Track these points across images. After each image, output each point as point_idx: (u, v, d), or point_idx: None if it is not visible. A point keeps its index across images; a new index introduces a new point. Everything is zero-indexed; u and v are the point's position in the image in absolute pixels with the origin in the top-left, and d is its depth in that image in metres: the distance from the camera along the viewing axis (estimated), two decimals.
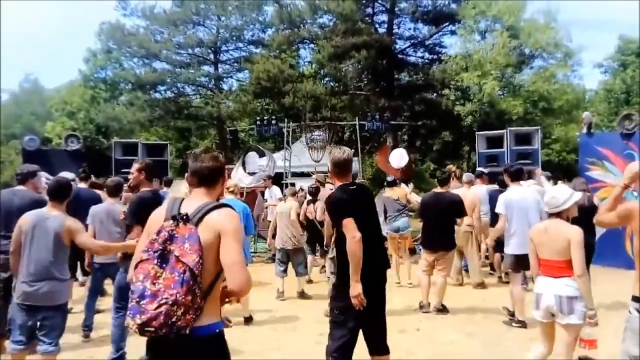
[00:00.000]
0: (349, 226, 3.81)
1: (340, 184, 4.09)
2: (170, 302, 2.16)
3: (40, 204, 4.55)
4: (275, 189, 11.44)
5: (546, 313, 4.05)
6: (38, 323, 4.13)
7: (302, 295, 8.07)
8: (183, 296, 2.18)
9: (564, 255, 3.99)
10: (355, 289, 3.79)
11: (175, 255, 2.23)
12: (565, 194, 4.16)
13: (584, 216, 6.05)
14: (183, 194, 3.15)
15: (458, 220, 7.23)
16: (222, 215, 2.42)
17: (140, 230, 4.35)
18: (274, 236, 8.32)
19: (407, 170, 13.81)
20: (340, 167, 4.10)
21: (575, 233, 3.99)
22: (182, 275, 2.20)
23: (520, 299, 6.39)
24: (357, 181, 4.31)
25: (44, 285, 4.07)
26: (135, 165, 4.97)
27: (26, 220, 4.19)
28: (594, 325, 3.91)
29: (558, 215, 4.13)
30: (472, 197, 8.27)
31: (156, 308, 2.16)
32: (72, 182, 8.45)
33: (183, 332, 2.21)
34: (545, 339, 4.18)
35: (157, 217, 2.50)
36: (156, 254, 2.25)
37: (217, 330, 2.42)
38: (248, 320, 6.62)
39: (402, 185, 10.10)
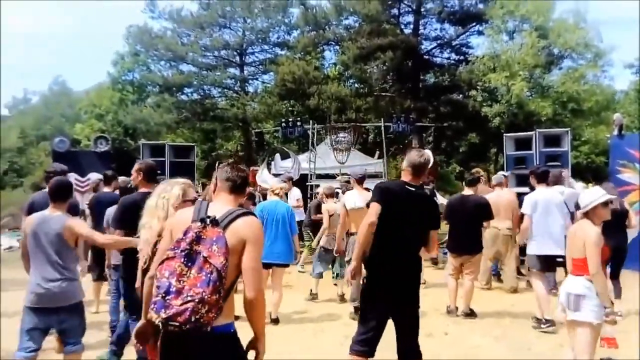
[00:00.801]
0: (371, 210, 3.93)
1: (404, 181, 4.14)
2: (197, 300, 2.27)
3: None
4: (295, 191, 11.34)
5: (561, 309, 4.18)
6: (55, 326, 4.14)
7: (343, 298, 7.90)
8: (209, 295, 2.29)
9: (582, 254, 4.06)
10: (351, 265, 4.11)
11: (203, 256, 2.34)
12: (592, 196, 4.20)
13: (615, 220, 5.98)
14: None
15: (485, 224, 7.14)
16: (248, 223, 2.56)
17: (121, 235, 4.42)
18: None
19: (433, 172, 13.69)
20: (414, 169, 4.11)
21: (591, 232, 4.06)
22: (209, 275, 2.32)
23: (544, 298, 6.38)
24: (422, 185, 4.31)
25: (55, 287, 4.06)
26: (135, 166, 4.89)
27: (29, 223, 4.21)
28: (612, 323, 3.94)
29: (585, 215, 4.20)
30: (507, 199, 8.15)
31: (182, 304, 2.26)
32: (98, 183, 8.62)
33: (204, 329, 2.32)
34: (571, 339, 4.21)
35: (183, 218, 2.61)
36: (183, 253, 2.36)
37: (232, 330, 2.55)
38: (275, 321, 6.64)
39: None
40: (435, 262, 10.44)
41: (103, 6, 70.16)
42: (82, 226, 4.34)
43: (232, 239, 2.45)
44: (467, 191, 7.20)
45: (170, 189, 3.17)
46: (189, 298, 2.27)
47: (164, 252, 2.51)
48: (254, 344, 2.65)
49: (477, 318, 6.91)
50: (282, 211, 6.80)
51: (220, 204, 2.66)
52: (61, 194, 4.30)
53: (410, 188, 4.04)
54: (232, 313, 2.57)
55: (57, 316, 4.09)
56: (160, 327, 2.35)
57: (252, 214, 2.67)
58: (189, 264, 2.35)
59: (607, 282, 3.98)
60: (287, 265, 7.01)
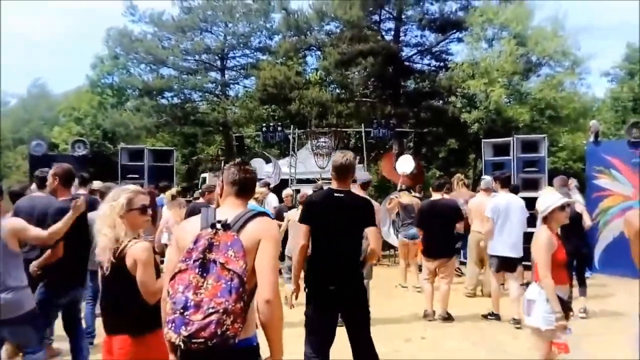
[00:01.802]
0: (300, 232, 4.04)
1: (330, 188, 4.15)
2: (220, 311, 2.11)
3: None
4: (272, 197, 11.25)
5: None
6: (9, 338, 3.93)
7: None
8: (233, 304, 2.13)
9: (536, 259, 4.09)
10: (293, 289, 4.23)
11: (220, 263, 2.19)
12: (549, 200, 4.17)
13: (570, 224, 6.11)
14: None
15: (457, 226, 7.25)
16: (263, 223, 2.42)
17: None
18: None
19: (420, 177, 13.82)
20: (337, 171, 4.10)
21: (539, 238, 4.05)
22: (229, 282, 2.16)
23: (496, 296, 7.00)
24: (350, 189, 4.18)
25: (3, 298, 3.77)
26: (51, 170, 4.60)
27: None
28: (562, 328, 3.91)
29: (543, 220, 4.17)
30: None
31: (204, 318, 2.10)
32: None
33: (232, 342, 2.15)
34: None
35: (190, 227, 2.47)
36: (196, 264, 2.20)
37: (255, 344, 2.40)
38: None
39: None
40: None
41: (83, 8, 69.44)
42: (25, 227, 4.01)
43: (247, 242, 2.30)
44: (436, 195, 7.33)
45: (117, 197, 3.03)
46: (211, 310, 2.10)
47: (173, 265, 2.32)
48: None
49: (454, 322, 6.96)
50: None
51: (229, 208, 2.50)
52: None
53: (337, 195, 4.03)
54: (254, 323, 2.42)
55: (7, 327, 3.84)
56: (181, 347, 2.14)
57: (266, 214, 2.55)
58: (204, 274, 2.18)
59: (553, 286, 3.91)
60: None
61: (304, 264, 4.09)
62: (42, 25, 76.16)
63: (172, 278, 2.23)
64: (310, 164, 14.94)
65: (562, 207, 4.11)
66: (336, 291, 3.92)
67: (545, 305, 3.91)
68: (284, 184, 13.77)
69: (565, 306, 3.97)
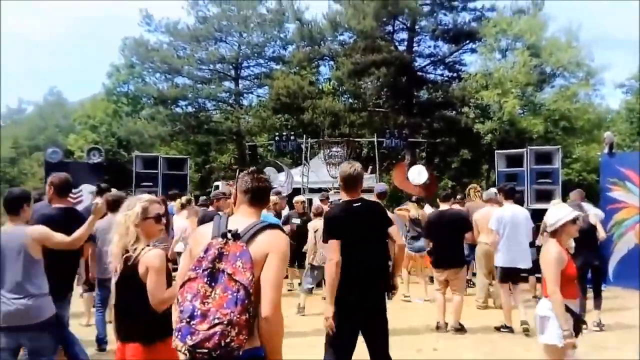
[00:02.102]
0: (331, 248, 3.90)
1: (346, 200, 4.08)
2: (225, 322, 2.11)
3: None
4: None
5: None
6: (26, 345, 3.89)
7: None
8: (238, 316, 2.13)
9: (544, 274, 4.01)
10: (327, 311, 3.93)
11: (228, 274, 2.19)
12: (560, 214, 4.08)
13: (582, 237, 6.12)
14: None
15: (467, 236, 7.19)
16: (273, 236, 2.40)
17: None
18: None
19: (433, 187, 13.78)
20: (346, 182, 4.08)
21: (548, 252, 3.97)
22: (235, 294, 2.16)
23: (507, 308, 6.89)
24: (367, 198, 4.22)
25: (24, 304, 3.81)
26: (48, 179, 4.65)
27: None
28: (570, 347, 3.82)
29: (553, 234, 4.08)
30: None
31: (209, 328, 2.11)
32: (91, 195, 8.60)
33: (236, 354, 2.15)
34: None
35: (202, 235, 2.47)
36: (205, 273, 2.20)
37: (262, 355, 2.35)
38: None
39: (426, 206, 10.11)
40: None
41: (99, 18, 70.44)
42: (49, 233, 4.06)
43: (256, 254, 2.28)
44: (444, 206, 7.31)
45: (133, 206, 3.04)
46: (217, 321, 2.11)
47: (185, 273, 2.32)
48: None
49: (466, 334, 6.92)
50: None
51: (241, 217, 2.50)
52: (13, 206, 4.03)
53: (355, 205, 4.03)
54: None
55: (25, 334, 3.83)
56: (187, 356, 2.17)
57: (279, 227, 2.53)
58: (213, 284, 2.18)
59: (562, 302, 3.83)
60: None
61: (337, 282, 3.97)
62: (60, 34, 77.29)
63: (182, 286, 2.24)
64: (322, 173, 14.99)
65: (573, 221, 4.04)
66: (360, 300, 3.91)
67: (555, 321, 3.85)
68: (296, 192, 13.81)
69: (578, 320, 3.93)
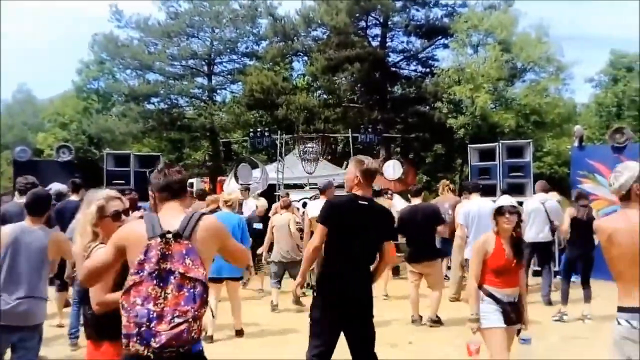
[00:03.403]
0: (316, 233, 3.92)
1: (354, 193, 3.94)
2: (190, 319, 2.17)
3: None
4: (250, 202, 11.07)
5: None
6: (17, 344, 3.86)
7: (298, 301, 7.89)
8: (198, 310, 2.21)
9: None
10: (297, 281, 4.29)
11: (180, 273, 2.21)
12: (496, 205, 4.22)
13: (583, 229, 6.37)
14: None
15: (439, 229, 7.29)
16: (207, 225, 2.47)
17: None
18: (269, 249, 8.18)
19: (412, 181, 13.87)
20: (366, 176, 3.92)
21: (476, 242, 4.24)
22: (192, 290, 2.21)
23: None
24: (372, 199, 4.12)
25: (24, 304, 3.81)
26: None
27: (6, 233, 3.90)
28: (473, 331, 4.03)
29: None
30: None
31: (172, 327, 2.15)
32: (64, 194, 8.43)
33: (195, 344, 2.28)
34: None
35: (132, 235, 2.43)
36: (152, 275, 2.20)
37: (202, 349, 2.45)
38: (239, 333, 6.55)
39: (395, 196, 10.11)
40: (396, 272, 10.47)
41: (68, 14, 69.05)
42: (69, 244, 3.97)
43: (199, 247, 2.33)
44: (415, 201, 7.38)
45: (89, 205, 2.95)
46: (178, 320, 2.15)
47: (106, 258, 2.45)
48: None
49: (441, 327, 6.97)
50: (233, 223, 6.46)
51: (171, 215, 2.48)
52: (40, 207, 4.08)
53: (361, 202, 3.90)
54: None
55: (18, 334, 3.83)
56: (152, 357, 2.17)
57: (205, 214, 2.55)
58: (162, 284, 2.20)
59: (474, 288, 4.05)
60: (240, 279, 6.89)
61: (312, 264, 4.08)
62: (28, 30, 75.54)
63: (127, 291, 2.22)
64: (297, 170, 14.95)
65: (498, 211, 4.10)
66: (347, 295, 3.86)
67: (483, 305, 4.00)
68: (271, 189, 13.76)
69: (509, 309, 4.02)
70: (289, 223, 7.98)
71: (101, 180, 12.37)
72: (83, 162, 22.70)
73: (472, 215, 7.19)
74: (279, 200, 12.26)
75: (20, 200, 6.86)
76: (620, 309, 2.98)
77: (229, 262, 2.93)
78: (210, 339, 6.07)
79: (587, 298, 7.09)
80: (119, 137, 24.79)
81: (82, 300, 5.84)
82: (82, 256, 2.83)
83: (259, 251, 8.54)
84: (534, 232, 8.05)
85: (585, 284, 7.16)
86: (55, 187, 10.79)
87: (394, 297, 8.70)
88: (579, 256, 7.19)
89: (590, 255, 7.11)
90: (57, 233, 4.12)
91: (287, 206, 8.50)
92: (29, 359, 3.92)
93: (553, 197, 8.88)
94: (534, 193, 9.31)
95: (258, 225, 9.14)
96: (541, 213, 8.08)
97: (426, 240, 7.06)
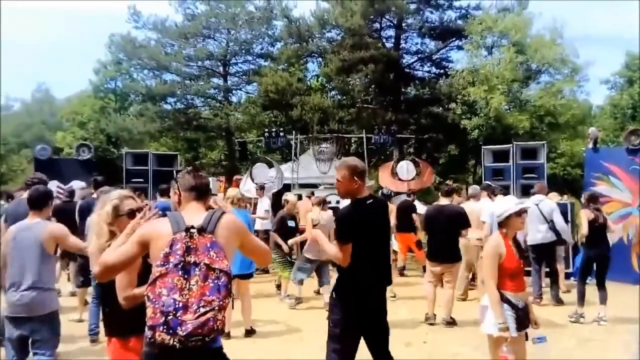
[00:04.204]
0: (344, 250, 3.76)
1: (358, 197, 3.87)
2: (216, 308, 2.26)
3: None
4: (265, 201, 11.19)
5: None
6: (28, 336, 4.01)
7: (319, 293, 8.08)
8: (223, 300, 2.30)
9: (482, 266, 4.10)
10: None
11: (205, 264, 2.31)
12: (506, 206, 4.15)
13: (598, 231, 6.47)
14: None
15: (463, 232, 7.27)
16: (229, 221, 2.61)
17: None
18: (302, 244, 8.20)
19: (428, 180, 13.93)
20: (362, 176, 3.89)
21: (488, 244, 4.09)
22: (217, 281, 2.30)
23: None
24: (373, 195, 4.18)
25: (28, 295, 3.98)
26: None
27: (10, 231, 4.18)
28: (504, 340, 3.84)
29: (500, 226, 4.16)
30: (478, 211, 8.36)
31: (198, 317, 2.22)
32: (85, 190, 8.64)
33: (220, 334, 2.40)
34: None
35: (156, 231, 2.53)
36: (178, 267, 2.29)
37: (221, 345, 2.54)
38: (250, 332, 6.59)
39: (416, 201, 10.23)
40: (401, 272, 10.59)
41: (86, 14, 69.77)
42: (66, 234, 4.26)
43: (222, 241, 2.45)
44: (444, 201, 7.39)
45: (104, 205, 3.03)
46: (204, 309, 2.23)
47: (128, 255, 2.51)
48: None
49: (455, 327, 7.03)
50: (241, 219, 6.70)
51: (194, 213, 2.61)
52: (39, 202, 4.26)
53: (369, 203, 3.87)
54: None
55: (29, 325, 3.99)
56: (176, 347, 2.23)
57: (225, 212, 2.67)
58: (186, 276, 2.28)
59: (496, 295, 3.91)
60: (250, 276, 6.83)
61: None
62: (46, 30, 76.55)
63: (153, 283, 2.30)
64: (312, 169, 15.10)
65: (518, 213, 4.07)
66: (368, 303, 3.86)
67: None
68: (286, 188, 13.91)
69: (522, 314, 3.95)
70: (330, 222, 7.61)
71: (120, 179, 12.60)
72: (102, 161, 23.04)
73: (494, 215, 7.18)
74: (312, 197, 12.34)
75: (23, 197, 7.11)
76: None
77: (250, 259, 3.06)
78: (227, 336, 6.12)
79: (603, 300, 7.06)
80: (137, 136, 25.10)
81: (101, 297, 6.06)
82: (99, 256, 2.87)
83: (290, 242, 8.35)
84: (532, 233, 8.10)
85: (601, 286, 7.14)
86: (76, 184, 11.07)
87: (404, 297, 8.76)
88: (595, 258, 7.23)
89: (606, 256, 7.15)
90: (52, 225, 4.25)
91: (319, 203, 8.34)
92: (45, 351, 4.04)
93: (553, 199, 8.94)
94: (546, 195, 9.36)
95: (291, 223, 8.71)
96: (534, 214, 8.05)
97: (449, 241, 7.07)
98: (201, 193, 2.75)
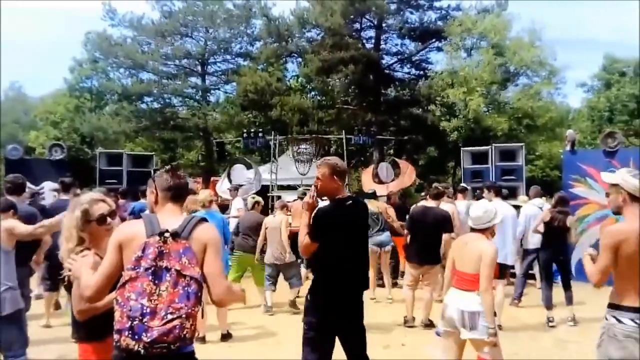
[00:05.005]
0: (310, 246, 3.74)
1: (337, 197, 3.82)
2: (183, 316, 2.20)
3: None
4: (237, 201, 11.02)
5: (449, 324, 4.13)
6: None
7: (294, 304, 7.89)
8: (192, 308, 2.23)
9: (475, 270, 4.01)
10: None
11: (176, 270, 2.25)
12: (491, 214, 4.17)
13: (560, 234, 6.44)
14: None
15: (445, 236, 7.16)
16: (206, 229, 2.49)
17: None
18: (262, 251, 8.11)
19: (410, 181, 13.93)
20: (343, 176, 3.86)
21: (489, 249, 4.02)
22: (186, 288, 2.24)
23: (500, 306, 6.58)
24: (353, 195, 4.15)
25: None
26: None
27: None
28: (492, 344, 3.89)
29: (481, 231, 4.17)
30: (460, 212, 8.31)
31: (164, 323, 2.17)
32: (55, 192, 8.40)
33: (188, 343, 2.27)
34: (447, 348, 4.23)
35: (132, 234, 2.43)
36: (148, 271, 2.24)
37: (192, 350, 2.43)
38: (226, 337, 6.47)
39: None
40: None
41: (61, 11, 68.64)
42: (19, 226, 4.17)
43: (195, 248, 2.37)
44: (430, 203, 7.30)
45: (74, 209, 2.88)
46: (171, 316, 2.18)
47: (108, 266, 2.39)
48: None
49: (434, 329, 6.97)
50: (215, 222, 6.54)
51: (169, 215, 2.53)
52: None
53: (348, 204, 3.82)
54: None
55: None
56: (141, 353, 2.17)
57: (206, 220, 2.59)
58: (157, 281, 2.23)
59: (494, 301, 3.99)
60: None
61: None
62: (19, 28, 75.08)
63: (122, 286, 2.25)
64: (291, 171, 14.99)
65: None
66: (342, 305, 3.77)
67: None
68: (265, 190, 13.76)
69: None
70: (280, 225, 7.83)
71: (94, 179, 12.35)
72: (75, 161, 22.60)
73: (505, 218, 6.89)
74: (272, 201, 12.29)
75: (65, 196, 6.89)
76: (625, 309, 3.04)
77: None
78: (203, 340, 6.02)
79: (569, 300, 7.10)
80: (112, 136, 24.72)
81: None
82: (67, 261, 2.77)
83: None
84: (537, 237, 7.76)
85: (567, 287, 7.17)
86: (48, 185, 10.79)
87: (384, 299, 8.67)
88: (552, 259, 7.22)
89: (565, 258, 7.22)
90: (6, 221, 4.17)
91: (282, 207, 8.38)
92: (14, 351, 3.92)
93: (547, 203, 8.98)
94: (528, 198, 9.38)
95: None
96: (538, 218, 8.01)
97: (431, 243, 7.00)
98: (178, 194, 2.63)
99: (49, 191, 10.47)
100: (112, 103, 28.05)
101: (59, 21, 74.02)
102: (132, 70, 25.47)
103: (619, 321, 3.02)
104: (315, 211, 3.79)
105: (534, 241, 7.94)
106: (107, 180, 11.98)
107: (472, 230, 4.25)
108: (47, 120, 31.55)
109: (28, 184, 10.67)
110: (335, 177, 3.77)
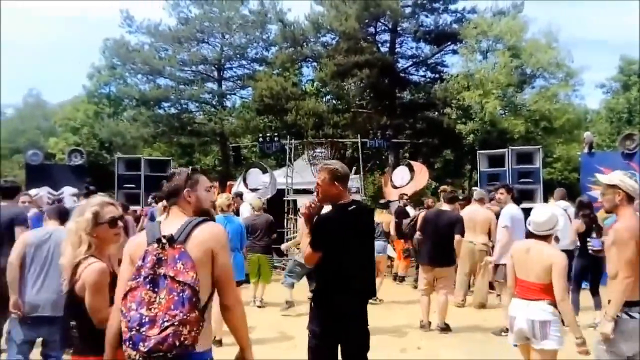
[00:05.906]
0: (313, 256, 3.65)
1: (340, 203, 3.73)
2: (176, 323, 2.15)
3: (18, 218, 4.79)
4: (243, 207, 11.00)
5: (519, 337, 3.99)
6: (45, 337, 3.97)
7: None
8: (187, 314, 2.18)
9: (542, 279, 3.85)
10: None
11: (170, 276, 2.21)
12: (555, 219, 4.04)
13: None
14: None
15: (456, 239, 7.15)
16: (208, 231, 2.44)
17: None
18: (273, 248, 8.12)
19: (424, 177, 13.95)
20: (345, 181, 3.77)
21: (560, 258, 3.84)
22: (181, 294, 2.19)
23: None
24: (357, 200, 4.16)
25: (54, 296, 3.88)
26: None
27: (35, 235, 4.13)
28: (585, 354, 3.71)
29: (544, 237, 4.00)
30: (484, 215, 8.25)
31: (161, 332, 2.14)
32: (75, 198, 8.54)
33: (191, 350, 2.21)
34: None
35: (139, 243, 2.45)
36: (146, 280, 2.22)
37: (204, 357, 2.39)
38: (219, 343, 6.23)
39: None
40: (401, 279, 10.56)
41: (79, 19, 69.67)
42: None
43: (195, 252, 2.32)
44: (445, 207, 7.33)
45: (83, 212, 2.83)
46: (167, 323, 2.15)
47: (125, 282, 2.33)
48: (240, 356, 2.56)
49: (450, 333, 6.97)
50: (234, 227, 6.67)
51: (173, 220, 2.51)
52: (61, 214, 4.29)
53: (350, 209, 3.72)
54: (211, 336, 2.43)
55: (47, 327, 3.93)
56: None
57: (210, 219, 2.54)
58: (156, 289, 2.21)
59: (573, 311, 3.91)
60: (240, 283, 6.64)
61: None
62: (38, 35, 76.34)
63: (124, 297, 2.24)
64: (306, 175, 15.00)
65: None
66: (346, 309, 3.72)
67: (559, 324, 3.82)
68: (280, 194, 13.81)
69: None
70: None
71: (112, 184, 12.51)
72: (94, 166, 22.92)
73: (515, 220, 6.93)
74: (288, 205, 12.30)
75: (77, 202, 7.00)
76: (633, 303, 3.09)
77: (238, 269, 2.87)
78: (219, 343, 6.01)
79: (597, 306, 7.03)
80: (130, 141, 24.97)
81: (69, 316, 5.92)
82: (71, 268, 2.76)
83: (282, 247, 8.86)
84: (567, 240, 7.65)
85: (595, 292, 7.14)
86: (67, 190, 10.97)
87: (402, 302, 8.70)
88: (588, 265, 7.22)
89: (599, 264, 7.07)
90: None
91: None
92: (54, 354, 3.97)
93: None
94: (544, 200, 9.32)
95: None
96: (566, 220, 7.90)
97: (444, 246, 6.99)
98: (172, 197, 2.60)
99: (68, 196, 10.65)
100: (130, 109, 28.33)
101: (77, 28, 75.13)
102: (149, 76, 25.73)
103: (630, 316, 3.09)
104: (316, 219, 3.71)
105: (564, 244, 7.91)
106: (125, 185, 12.14)
107: (531, 235, 4.07)
108: (67, 127, 31.98)
109: (48, 189, 10.91)
110: (336, 182, 3.68)
